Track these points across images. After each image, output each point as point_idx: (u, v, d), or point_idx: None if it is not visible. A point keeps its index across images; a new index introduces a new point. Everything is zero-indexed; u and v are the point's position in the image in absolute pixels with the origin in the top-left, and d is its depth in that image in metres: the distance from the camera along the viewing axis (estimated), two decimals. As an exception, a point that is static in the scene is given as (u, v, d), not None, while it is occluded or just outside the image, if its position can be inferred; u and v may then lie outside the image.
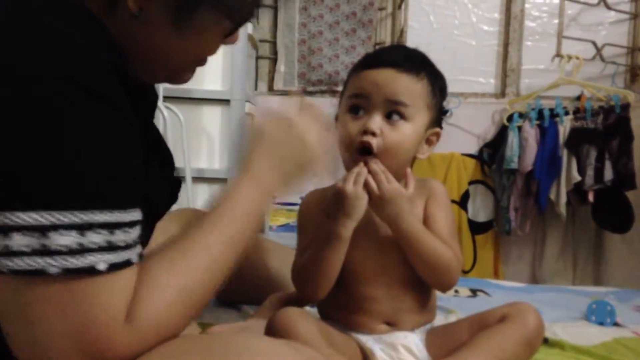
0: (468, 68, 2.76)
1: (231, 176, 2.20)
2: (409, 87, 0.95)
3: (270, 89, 2.76)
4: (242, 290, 1.18)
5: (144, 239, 0.62)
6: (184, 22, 0.65)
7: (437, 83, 0.99)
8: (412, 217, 0.93)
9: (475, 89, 2.77)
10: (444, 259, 0.93)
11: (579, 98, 2.55)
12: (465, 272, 2.60)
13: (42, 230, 0.51)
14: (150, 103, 0.83)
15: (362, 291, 0.97)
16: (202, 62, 0.73)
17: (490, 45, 2.77)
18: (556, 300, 1.51)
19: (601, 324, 1.30)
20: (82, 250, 0.53)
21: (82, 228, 0.53)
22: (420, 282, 0.96)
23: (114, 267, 0.55)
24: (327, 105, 3.01)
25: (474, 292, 1.52)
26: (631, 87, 2.66)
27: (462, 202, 2.67)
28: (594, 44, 2.59)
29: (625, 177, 2.36)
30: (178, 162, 1.99)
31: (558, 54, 2.47)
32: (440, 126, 1.02)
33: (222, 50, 2.36)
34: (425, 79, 0.97)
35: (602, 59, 2.61)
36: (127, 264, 0.57)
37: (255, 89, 2.73)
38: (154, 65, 0.69)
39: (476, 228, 2.68)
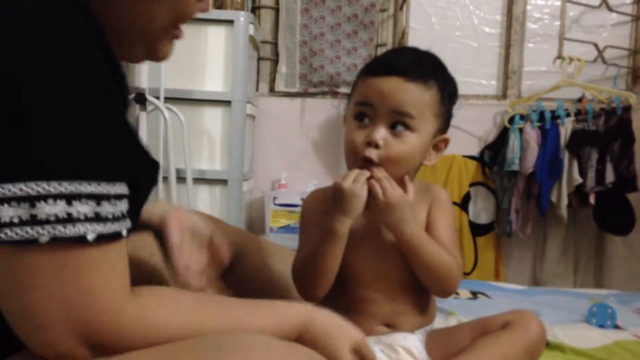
0: (469, 70, 2.76)
1: (231, 177, 2.22)
2: (415, 98, 0.93)
3: (272, 90, 2.76)
4: (244, 292, 1.17)
5: (132, 220, 0.62)
6: None
7: (446, 89, 0.97)
8: (415, 224, 0.93)
9: (476, 91, 2.77)
10: (445, 266, 0.93)
11: (580, 100, 2.55)
12: (466, 274, 2.60)
13: (31, 200, 0.52)
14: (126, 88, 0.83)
15: (362, 293, 0.97)
16: (178, 27, 0.72)
17: (491, 47, 2.77)
18: (557, 302, 1.51)
19: (602, 326, 1.30)
20: (70, 219, 0.54)
21: (69, 198, 0.54)
22: (420, 286, 0.96)
23: (103, 238, 0.56)
24: (329, 106, 3.02)
25: (474, 294, 1.53)
26: (633, 89, 2.66)
27: (464, 203, 2.67)
28: (596, 45, 2.59)
29: (626, 179, 2.36)
30: (179, 163, 2.00)
31: (559, 56, 2.47)
32: (447, 130, 1.01)
33: (223, 52, 2.36)
34: (435, 86, 0.95)
35: (604, 61, 2.61)
36: (116, 236, 0.57)
37: (257, 90, 2.73)
38: (132, 36, 0.68)
39: (477, 230, 2.67)
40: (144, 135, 1.84)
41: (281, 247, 1.41)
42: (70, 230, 0.54)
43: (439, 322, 1.08)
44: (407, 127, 0.93)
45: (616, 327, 1.29)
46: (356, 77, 1.01)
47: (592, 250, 2.60)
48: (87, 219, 0.55)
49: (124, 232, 0.59)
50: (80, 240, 0.54)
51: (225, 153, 2.19)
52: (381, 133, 0.92)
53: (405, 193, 0.93)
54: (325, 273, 0.93)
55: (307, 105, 2.73)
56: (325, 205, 0.97)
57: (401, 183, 0.94)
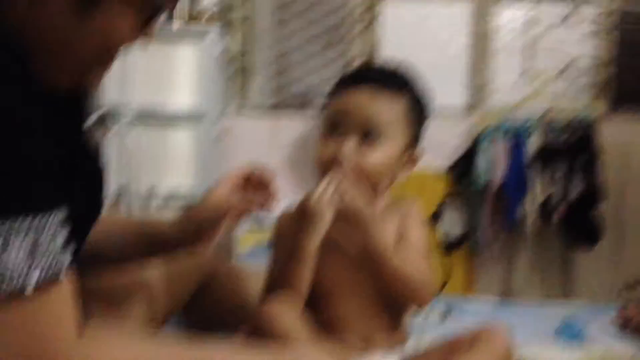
0: (439, 84, 2.75)
1: (199, 194, 2.17)
2: (385, 109, 0.93)
3: (244, 106, 2.74)
4: (217, 318, 1.15)
5: (75, 252, 0.61)
6: (84, 7, 0.61)
7: (418, 103, 0.97)
8: (382, 236, 0.92)
9: (446, 105, 2.79)
10: (416, 278, 0.92)
11: (547, 114, 2.59)
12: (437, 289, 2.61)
13: None
14: (78, 114, 0.78)
15: (335, 311, 0.96)
16: (110, 56, 0.68)
17: (460, 61, 2.80)
18: (527, 318, 1.51)
19: (572, 339, 1.31)
20: (3, 277, 0.52)
21: (5, 240, 0.52)
22: (394, 301, 0.95)
23: (42, 286, 0.54)
24: (302, 122, 3.01)
25: (445, 311, 1.52)
26: (597, 103, 2.71)
27: (434, 218, 2.68)
28: (562, 60, 2.63)
29: (592, 192, 2.40)
30: (145, 183, 1.97)
31: (526, 71, 2.50)
32: (419, 144, 1.01)
33: (193, 66, 2.33)
34: (406, 99, 0.95)
35: (569, 76, 2.66)
36: (56, 277, 0.55)
37: (229, 105, 2.71)
38: (58, 60, 0.64)
39: (448, 245, 2.68)
40: (109, 155, 1.81)
41: (255, 270, 1.38)
42: (9, 287, 0.52)
43: (411, 344, 1.07)
44: (378, 139, 0.93)
45: (585, 342, 1.30)
46: (329, 91, 1.00)
47: (560, 261, 2.63)
48: (23, 269, 0.53)
49: (65, 266, 0.57)
50: (19, 294, 0.52)
51: (195, 171, 2.16)
52: (351, 144, 0.92)
53: (375, 203, 0.93)
54: (295, 291, 0.92)
55: (280, 120, 2.72)
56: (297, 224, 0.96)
57: (371, 194, 0.93)
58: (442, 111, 2.76)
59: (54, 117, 0.61)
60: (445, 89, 2.80)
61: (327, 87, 1.02)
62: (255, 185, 0.94)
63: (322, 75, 2.65)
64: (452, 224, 2.70)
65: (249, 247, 2.42)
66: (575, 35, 2.76)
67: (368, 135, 0.93)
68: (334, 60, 2.65)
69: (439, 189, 2.68)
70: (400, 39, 2.80)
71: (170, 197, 2.11)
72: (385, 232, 0.95)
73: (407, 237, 0.97)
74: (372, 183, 0.94)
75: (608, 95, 2.74)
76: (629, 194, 2.55)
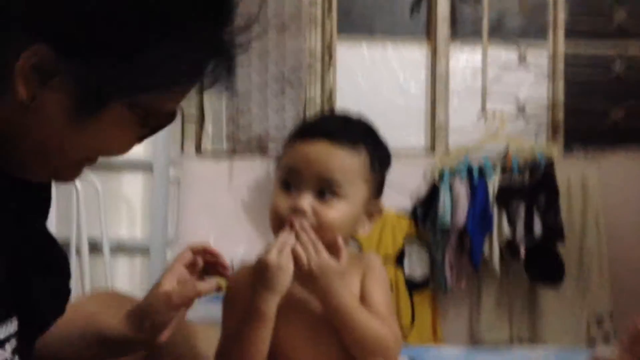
0: (397, 126, 2.77)
1: (153, 245, 2.07)
2: (344, 163, 0.89)
3: (198, 150, 2.66)
4: None
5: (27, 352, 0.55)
6: (85, 117, 0.57)
7: (377, 154, 0.93)
8: (345, 292, 0.86)
9: (405, 147, 2.78)
10: (380, 339, 0.86)
11: (505, 154, 2.61)
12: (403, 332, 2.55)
13: None
14: (40, 201, 0.73)
15: None
16: (95, 159, 0.64)
17: (417, 103, 2.81)
18: (497, 367, 1.46)
19: (544, 393, 1.25)
20: None
21: None
22: None
23: None
24: (258, 167, 2.94)
25: (413, 363, 1.45)
26: (553, 143, 2.74)
27: (398, 260, 2.63)
28: (517, 101, 2.67)
29: (553, 230, 2.40)
30: (94, 233, 1.86)
31: (483, 112, 2.53)
32: (381, 196, 0.96)
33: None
34: (364, 151, 0.90)
35: (525, 116, 2.70)
36: None
37: (182, 150, 2.63)
38: (40, 160, 0.60)
39: (413, 287, 2.63)
40: (54, 205, 1.69)
41: (204, 326, 1.30)
42: None
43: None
44: (335, 194, 0.88)
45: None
46: (283, 144, 0.96)
47: (525, 301, 2.61)
48: None
49: None
50: None
51: (147, 219, 2.06)
52: (307, 200, 0.87)
53: (336, 258, 0.87)
54: (253, 358, 0.85)
55: (235, 165, 2.65)
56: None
57: (331, 248, 0.87)
58: (402, 152, 2.76)
59: (15, 207, 0.57)
60: (405, 131, 2.80)
61: (283, 131, 0.99)
62: (204, 266, 0.89)
63: (278, 120, 2.60)
64: (416, 265, 2.66)
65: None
66: (529, 77, 2.80)
67: (325, 191, 0.88)
68: (290, 104, 2.61)
69: (401, 230, 2.65)
70: (358, 82, 2.79)
71: (120, 248, 2.01)
72: (349, 289, 0.89)
73: (371, 292, 0.91)
74: (332, 238, 0.88)
75: (562, 136, 2.78)
76: (587, 232, 2.56)
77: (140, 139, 0.64)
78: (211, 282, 0.87)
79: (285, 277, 0.83)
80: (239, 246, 2.47)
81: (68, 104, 0.56)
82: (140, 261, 2.05)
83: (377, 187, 0.94)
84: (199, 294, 0.85)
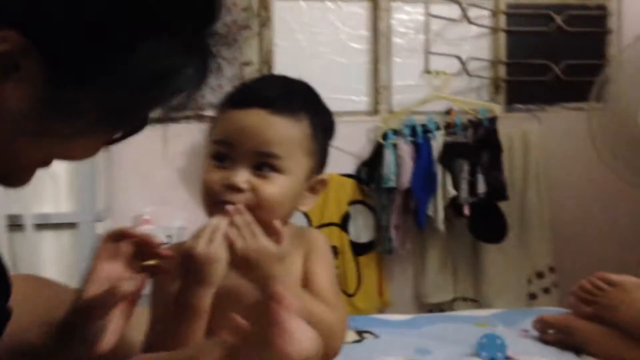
0: (340, 86, 2.68)
1: (82, 219, 1.94)
2: (283, 134, 0.80)
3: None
4: None
5: None
6: (52, 121, 0.49)
7: (320, 123, 0.84)
8: (287, 278, 0.79)
9: (348, 108, 2.70)
10: (325, 324, 0.79)
11: (448, 113, 2.57)
12: (349, 295, 2.52)
13: None
14: None
15: None
16: (50, 163, 0.57)
17: (360, 62, 2.72)
18: (444, 333, 1.43)
19: (492, 359, 1.23)
20: None
21: None
22: None
23: None
24: (195, 132, 2.78)
25: (359, 334, 1.41)
26: (495, 100, 2.73)
27: (343, 223, 2.59)
28: (459, 58, 2.63)
29: (497, 188, 2.40)
30: (15, 208, 1.70)
31: (426, 70, 2.47)
32: (325, 168, 0.89)
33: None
34: (306, 120, 0.82)
35: (468, 73, 2.66)
36: None
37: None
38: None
39: (358, 249, 2.60)
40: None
41: (139, 309, 1.20)
42: None
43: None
44: (274, 168, 0.80)
45: (507, 358, 1.23)
46: (217, 109, 0.85)
47: (469, 260, 2.63)
48: None
49: None
50: None
51: (73, 192, 1.91)
52: (243, 175, 0.79)
53: (276, 241, 0.79)
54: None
55: (169, 131, 2.50)
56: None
57: (270, 229, 0.79)
58: (346, 113, 2.68)
59: None
60: (347, 91, 2.72)
61: (220, 94, 0.88)
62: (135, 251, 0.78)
63: (214, 82, 2.45)
64: (361, 228, 2.62)
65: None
66: (471, 33, 2.76)
67: (263, 165, 0.80)
68: (226, 64, 2.46)
69: (346, 193, 2.60)
70: (297, 40, 2.66)
71: (46, 224, 1.86)
72: (292, 273, 0.83)
73: (315, 273, 0.85)
74: (271, 216, 0.80)
75: (504, 93, 2.76)
76: (528, 188, 2.58)
77: (107, 144, 0.57)
78: (137, 278, 0.76)
79: (217, 267, 0.75)
80: (177, 217, 2.36)
81: (33, 103, 0.47)
82: (67, 235, 1.91)
83: (321, 159, 0.86)
84: (123, 298, 0.74)
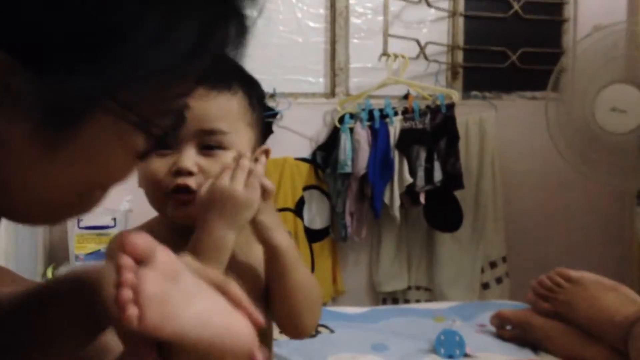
0: (296, 67, 2.59)
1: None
2: (224, 108, 0.76)
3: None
4: None
5: None
6: (57, 140, 0.40)
7: (253, 92, 0.81)
8: (284, 231, 0.77)
9: (305, 89, 2.62)
10: (315, 292, 0.79)
11: (406, 97, 2.53)
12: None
13: None
14: None
15: None
16: (95, 197, 0.47)
17: (317, 42, 2.63)
18: (401, 327, 1.40)
19: (451, 356, 1.20)
20: None
21: None
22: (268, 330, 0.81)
23: None
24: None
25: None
26: (453, 85, 2.70)
27: (298, 209, 2.52)
28: (418, 42, 2.58)
29: (453, 176, 2.38)
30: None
31: (385, 53, 2.41)
32: (266, 137, 0.86)
33: None
34: (240, 91, 0.78)
35: (426, 58, 2.61)
36: None
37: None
38: (28, 206, 0.44)
39: (313, 236, 2.55)
40: None
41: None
42: None
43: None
44: (220, 145, 0.76)
45: (465, 355, 1.20)
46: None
47: (423, 248, 2.61)
48: None
49: None
50: None
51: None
52: (191, 157, 0.74)
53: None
54: None
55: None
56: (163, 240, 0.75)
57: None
58: (302, 95, 2.60)
59: None
60: (304, 72, 2.63)
61: None
62: None
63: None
64: (316, 213, 2.56)
65: (87, 250, 2.09)
66: (430, 17, 2.71)
67: (209, 143, 0.75)
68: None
69: (301, 178, 2.53)
70: (251, 16, 2.55)
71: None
72: (257, 255, 0.79)
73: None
74: None
75: (461, 79, 2.74)
76: (483, 176, 2.57)
77: (142, 155, 0.45)
78: None
79: (249, 213, 0.73)
80: (122, 197, 2.24)
81: (31, 123, 0.39)
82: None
83: (261, 130, 0.82)
84: None
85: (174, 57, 0.41)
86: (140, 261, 0.43)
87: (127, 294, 0.40)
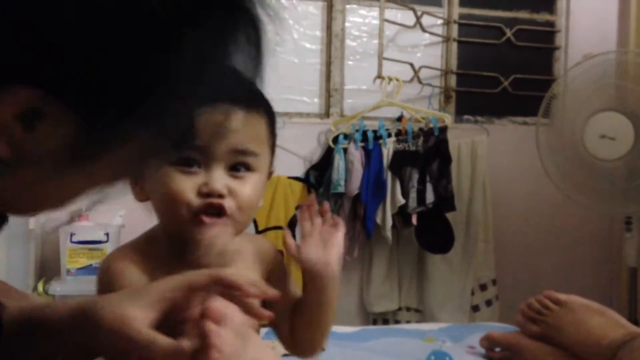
0: (292, 87, 2.63)
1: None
2: (256, 130, 0.75)
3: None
4: None
5: None
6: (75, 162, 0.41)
7: (274, 118, 0.81)
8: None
9: (300, 109, 2.65)
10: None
11: (399, 119, 2.56)
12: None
13: None
14: None
15: None
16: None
17: (313, 63, 2.67)
18: (391, 347, 1.40)
19: (441, 378, 1.20)
20: None
21: None
22: None
23: None
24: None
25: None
26: (445, 109, 2.74)
27: (290, 227, 2.53)
28: (412, 66, 2.62)
29: (445, 198, 2.40)
30: None
31: (379, 76, 2.45)
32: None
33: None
34: (265, 113, 0.77)
35: (419, 81, 2.66)
36: None
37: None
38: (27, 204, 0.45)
39: (304, 254, 2.55)
40: None
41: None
42: None
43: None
44: (249, 167, 0.74)
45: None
46: None
47: (414, 269, 2.62)
48: None
49: None
50: None
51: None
52: (222, 179, 0.72)
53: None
54: None
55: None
56: (145, 266, 0.74)
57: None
58: (297, 114, 2.63)
59: None
60: (299, 92, 2.66)
61: None
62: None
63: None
64: (308, 232, 2.57)
65: (79, 264, 2.09)
66: (424, 41, 2.76)
67: (238, 164, 0.74)
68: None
69: (294, 197, 2.54)
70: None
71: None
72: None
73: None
74: (248, 219, 0.77)
75: (454, 102, 2.78)
76: (474, 199, 2.60)
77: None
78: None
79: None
80: (115, 212, 2.24)
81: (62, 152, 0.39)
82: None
83: (274, 150, 0.82)
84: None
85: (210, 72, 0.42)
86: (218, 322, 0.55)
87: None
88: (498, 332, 1.36)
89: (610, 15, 2.86)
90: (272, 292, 0.65)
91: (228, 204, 0.72)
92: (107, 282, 0.75)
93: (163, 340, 0.57)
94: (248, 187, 0.74)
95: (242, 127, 0.73)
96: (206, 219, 0.71)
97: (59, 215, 2.28)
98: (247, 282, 0.63)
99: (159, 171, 0.73)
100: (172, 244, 0.76)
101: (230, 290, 0.62)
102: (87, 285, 1.28)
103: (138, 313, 0.59)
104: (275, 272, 0.82)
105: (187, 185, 0.71)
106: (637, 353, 1.07)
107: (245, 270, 0.78)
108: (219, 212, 0.71)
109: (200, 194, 0.71)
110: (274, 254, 0.85)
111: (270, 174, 0.82)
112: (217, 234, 0.72)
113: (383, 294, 2.56)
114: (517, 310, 1.33)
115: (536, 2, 2.88)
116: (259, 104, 0.77)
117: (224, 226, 0.72)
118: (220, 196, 0.72)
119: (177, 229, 0.74)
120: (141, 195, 0.76)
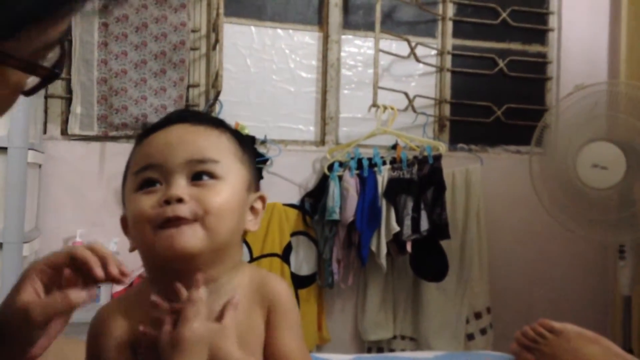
0: (288, 115, 2.66)
1: (7, 239, 1.81)
2: (212, 139, 0.76)
3: (64, 132, 2.37)
4: None
5: None
6: None
7: (242, 141, 0.81)
8: (247, 336, 0.73)
9: (295, 137, 2.67)
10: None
11: (394, 147, 2.58)
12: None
13: None
14: None
15: None
16: None
17: (309, 92, 2.71)
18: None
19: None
20: None
21: None
22: None
23: None
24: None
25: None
26: (439, 137, 2.77)
27: (285, 254, 2.53)
28: (406, 95, 2.66)
29: (439, 226, 2.41)
30: None
31: (374, 104, 2.48)
32: (259, 186, 0.85)
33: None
34: (228, 133, 0.79)
35: (414, 110, 2.69)
36: None
37: (45, 133, 2.33)
38: None
39: (299, 282, 2.55)
40: None
41: (75, 342, 1.10)
42: None
43: None
44: (213, 175, 0.74)
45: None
46: (130, 154, 0.80)
47: (409, 296, 2.62)
48: None
49: None
50: None
51: (0, 209, 1.78)
52: (182, 187, 0.72)
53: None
54: None
55: (107, 150, 2.39)
56: (132, 320, 0.73)
57: (224, 256, 0.75)
58: (292, 142, 2.65)
59: None
60: (295, 120, 2.69)
61: (164, 115, 0.84)
62: (80, 268, 0.70)
63: (158, 103, 2.37)
64: (303, 259, 2.57)
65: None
66: (418, 71, 2.81)
67: (201, 172, 0.73)
68: (171, 85, 2.39)
69: (289, 224, 2.55)
70: (245, 67, 2.62)
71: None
72: (253, 330, 0.75)
73: (281, 336, 0.76)
74: (224, 227, 0.73)
75: (448, 131, 2.82)
76: (469, 228, 2.61)
77: (29, 92, 0.48)
78: (90, 291, 0.69)
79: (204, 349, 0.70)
80: (110, 239, 2.24)
81: None
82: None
83: (253, 172, 0.81)
84: (70, 307, 0.67)
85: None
86: None
87: None
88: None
89: (600, 46, 2.92)
90: (123, 269, 0.71)
91: (190, 208, 0.71)
92: (93, 336, 0.76)
93: None
94: (214, 193, 0.73)
95: (195, 138, 0.75)
96: (164, 231, 0.70)
97: (53, 241, 2.27)
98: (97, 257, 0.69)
99: (129, 199, 0.75)
100: (156, 281, 0.75)
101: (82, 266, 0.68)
102: (81, 313, 1.27)
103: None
104: (274, 312, 0.76)
105: (148, 203, 0.72)
106: (632, 382, 1.07)
107: (242, 307, 0.74)
108: (177, 220, 0.70)
109: (160, 204, 0.71)
110: (280, 292, 0.78)
111: (260, 200, 0.82)
112: (185, 239, 0.70)
113: (378, 322, 2.55)
114: (511, 338, 1.33)
115: (528, 34, 2.94)
116: (215, 124, 0.79)
117: (191, 231, 0.70)
118: (180, 201, 0.71)
119: (144, 250, 0.74)
120: (127, 229, 0.77)
